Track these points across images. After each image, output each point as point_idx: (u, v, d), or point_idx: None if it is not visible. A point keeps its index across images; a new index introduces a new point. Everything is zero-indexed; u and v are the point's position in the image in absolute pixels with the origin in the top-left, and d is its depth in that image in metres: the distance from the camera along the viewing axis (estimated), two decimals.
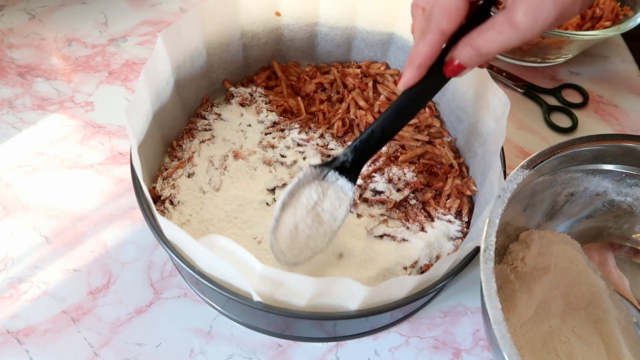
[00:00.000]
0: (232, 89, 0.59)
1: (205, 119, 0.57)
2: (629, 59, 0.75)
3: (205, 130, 0.56)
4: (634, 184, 0.48)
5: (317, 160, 0.53)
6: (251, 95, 0.59)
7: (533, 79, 0.71)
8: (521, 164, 0.42)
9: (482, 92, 0.50)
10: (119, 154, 0.59)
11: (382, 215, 0.51)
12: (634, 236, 0.52)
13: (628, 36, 0.76)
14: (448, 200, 0.52)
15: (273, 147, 0.55)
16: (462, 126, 0.55)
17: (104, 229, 0.53)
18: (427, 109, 0.59)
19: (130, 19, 0.74)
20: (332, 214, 0.44)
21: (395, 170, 0.53)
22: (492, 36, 0.32)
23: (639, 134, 0.53)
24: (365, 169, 0.53)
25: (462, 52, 0.35)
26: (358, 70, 0.62)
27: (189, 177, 0.52)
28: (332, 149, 0.55)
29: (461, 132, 0.56)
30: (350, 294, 0.37)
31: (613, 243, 0.53)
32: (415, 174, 0.53)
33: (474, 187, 0.53)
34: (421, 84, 0.37)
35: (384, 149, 0.55)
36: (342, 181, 0.43)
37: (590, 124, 0.67)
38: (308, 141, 0.55)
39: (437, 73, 0.37)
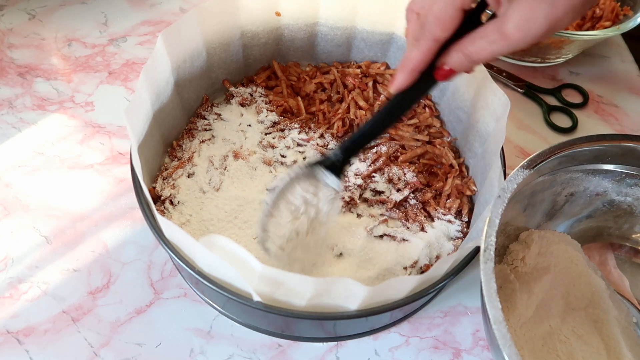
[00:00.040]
0: (232, 89, 0.59)
1: (205, 119, 0.57)
2: (629, 59, 0.75)
3: (205, 130, 0.56)
4: (634, 184, 0.48)
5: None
6: (251, 95, 0.59)
7: (533, 79, 0.71)
8: (521, 164, 0.42)
9: (482, 92, 0.50)
10: (119, 154, 0.59)
11: (382, 215, 0.51)
12: (634, 236, 0.52)
13: (628, 36, 0.76)
14: (448, 200, 0.52)
15: (273, 147, 0.55)
16: (462, 126, 0.55)
17: (104, 229, 0.53)
18: (427, 109, 0.59)
19: (130, 19, 0.74)
20: (321, 211, 0.45)
21: (395, 170, 0.53)
22: (484, 45, 0.33)
23: (639, 134, 0.53)
24: (365, 169, 0.53)
25: (454, 58, 0.35)
26: (358, 70, 0.62)
27: (189, 177, 0.52)
28: (332, 149, 0.55)
29: (461, 132, 0.56)
30: (350, 294, 0.37)
31: (613, 243, 0.53)
32: (415, 174, 0.53)
33: (474, 187, 0.53)
34: (411, 88, 0.38)
35: (383, 149, 0.55)
36: (332, 179, 0.44)
37: (590, 124, 0.67)
38: (308, 141, 0.55)
39: (428, 76, 0.38)
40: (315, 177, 0.43)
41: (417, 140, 0.56)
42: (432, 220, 0.51)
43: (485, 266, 0.36)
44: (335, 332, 0.47)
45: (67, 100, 0.64)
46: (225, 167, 0.53)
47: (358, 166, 0.54)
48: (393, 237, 0.49)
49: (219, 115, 0.57)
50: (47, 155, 0.58)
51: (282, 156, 0.54)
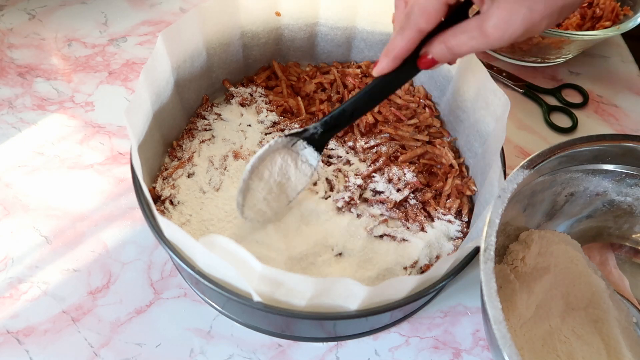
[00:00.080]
0: (232, 89, 0.59)
1: (205, 119, 0.57)
2: (629, 59, 0.75)
3: (205, 130, 0.56)
4: (634, 184, 0.48)
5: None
6: (251, 95, 0.59)
7: (533, 79, 0.71)
8: (521, 164, 0.42)
9: (482, 92, 0.50)
10: (119, 154, 0.59)
11: (382, 215, 0.51)
12: (634, 236, 0.52)
13: (628, 36, 0.76)
14: (448, 200, 0.52)
15: None
16: (462, 126, 0.55)
17: (104, 229, 0.53)
18: (427, 109, 0.59)
19: (130, 19, 0.74)
20: (295, 179, 0.48)
21: (395, 170, 0.53)
22: (465, 40, 0.35)
23: (639, 134, 0.53)
24: (365, 169, 0.53)
25: (437, 49, 0.37)
26: (358, 70, 0.62)
27: (189, 177, 0.52)
28: (332, 149, 0.55)
29: (461, 132, 0.56)
30: (350, 294, 0.37)
31: (613, 243, 0.53)
32: (415, 174, 0.53)
33: (474, 187, 0.53)
34: (394, 73, 0.40)
35: (383, 149, 0.55)
36: (309, 150, 0.46)
37: (590, 124, 0.67)
38: None
39: (411, 64, 0.39)
40: (294, 150, 0.46)
41: (417, 140, 0.56)
42: (432, 220, 0.51)
43: (485, 266, 0.36)
44: (335, 332, 0.47)
45: (67, 100, 0.64)
46: (225, 167, 0.53)
47: (358, 166, 0.54)
48: (393, 237, 0.49)
49: (219, 115, 0.57)
50: (47, 155, 0.58)
51: None
